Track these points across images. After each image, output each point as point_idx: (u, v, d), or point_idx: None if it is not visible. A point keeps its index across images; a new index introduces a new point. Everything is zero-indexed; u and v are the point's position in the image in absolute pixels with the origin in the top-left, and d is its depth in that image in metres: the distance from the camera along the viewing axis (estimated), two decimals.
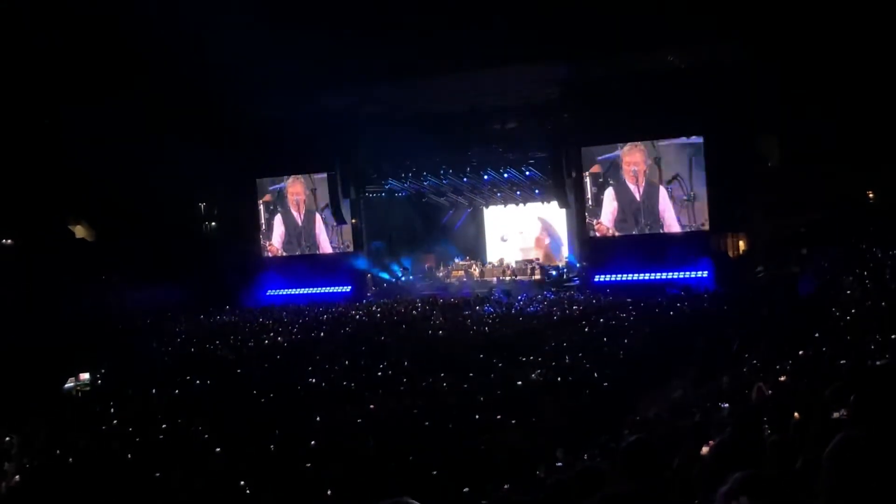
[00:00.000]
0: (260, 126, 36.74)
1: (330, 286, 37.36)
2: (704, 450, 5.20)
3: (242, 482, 12.02)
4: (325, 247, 39.11)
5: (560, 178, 33.23)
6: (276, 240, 39.99)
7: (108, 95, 32.54)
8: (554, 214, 39.11)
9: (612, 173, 33.35)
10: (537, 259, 39.14)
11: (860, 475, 2.54)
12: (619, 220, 33.39)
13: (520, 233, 41.31)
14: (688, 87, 30.49)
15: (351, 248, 38.46)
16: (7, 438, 16.06)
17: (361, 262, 38.15)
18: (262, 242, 40.17)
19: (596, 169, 33.59)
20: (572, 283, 34.14)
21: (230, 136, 36.57)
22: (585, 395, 16.24)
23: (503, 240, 41.36)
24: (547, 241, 40.86)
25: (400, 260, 39.40)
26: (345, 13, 29.91)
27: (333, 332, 26.96)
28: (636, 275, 31.99)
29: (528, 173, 35.87)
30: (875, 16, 26.89)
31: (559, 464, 11.18)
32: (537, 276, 36.50)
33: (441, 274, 39.30)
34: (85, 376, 23.70)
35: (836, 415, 4.61)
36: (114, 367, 24.56)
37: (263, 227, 40.13)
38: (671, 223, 32.51)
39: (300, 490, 11.66)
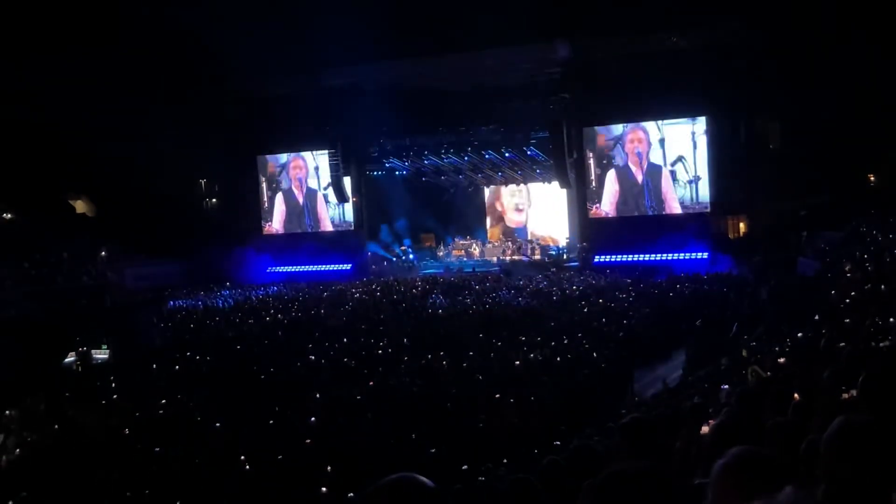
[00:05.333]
0: (262, 103, 36.66)
1: (330, 264, 37.37)
2: (704, 429, 5.21)
3: (242, 457, 12.07)
4: (327, 225, 39.14)
5: (561, 159, 33.11)
6: (277, 217, 39.99)
7: (110, 71, 32.43)
8: (555, 194, 38.98)
9: (616, 155, 33.31)
10: (537, 238, 39.10)
11: (860, 459, 2.54)
12: (621, 203, 33.36)
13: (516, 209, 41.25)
14: (690, 68, 30.37)
15: (352, 227, 38.47)
16: (7, 412, 16.11)
17: (361, 241, 38.18)
18: (263, 220, 40.16)
19: (600, 146, 33.55)
20: (571, 265, 34.07)
21: (232, 112, 36.49)
22: (584, 375, 16.27)
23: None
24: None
25: (401, 240, 39.30)
26: None
27: (333, 309, 26.98)
28: (636, 256, 31.97)
29: (529, 153, 35.78)
30: None
31: (557, 443, 11.23)
32: (537, 256, 36.48)
33: (441, 253, 39.27)
34: (83, 351, 23.76)
35: (845, 396, 4.62)
36: (113, 342, 24.60)
37: (266, 204, 40.13)
38: (673, 205, 32.47)
39: (300, 466, 11.70)
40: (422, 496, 2.08)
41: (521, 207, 41.42)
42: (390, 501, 2.06)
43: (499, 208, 41.91)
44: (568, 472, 4.65)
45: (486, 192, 42.24)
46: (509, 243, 38.81)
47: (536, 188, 39.99)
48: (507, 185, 40.83)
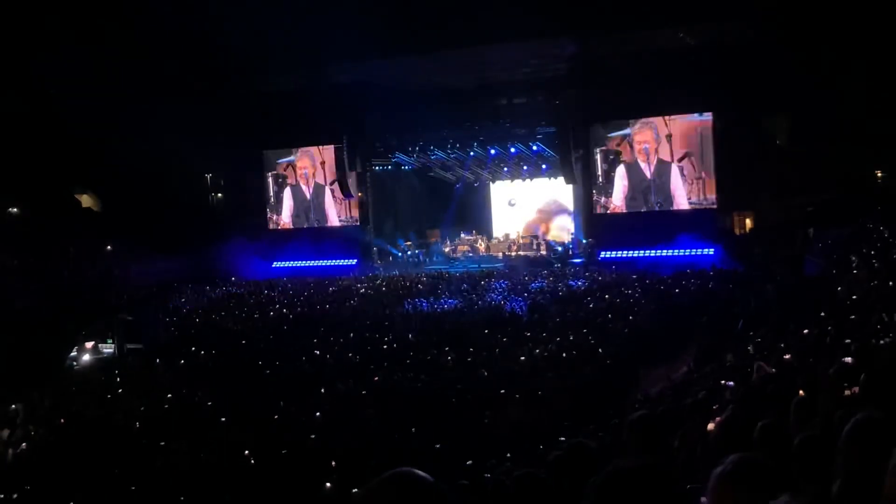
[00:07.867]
0: (268, 98, 36.64)
1: (336, 259, 37.36)
2: (710, 426, 5.19)
3: (247, 452, 12.08)
4: (334, 220, 39.12)
5: (567, 154, 33.06)
6: (285, 213, 39.95)
7: (116, 66, 32.44)
8: (561, 190, 38.85)
9: (623, 151, 33.24)
10: (543, 234, 38.99)
11: (878, 454, 2.52)
12: (630, 199, 33.30)
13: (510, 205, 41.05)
14: (697, 64, 30.27)
15: (357, 222, 38.46)
16: (13, 406, 16.17)
17: (367, 237, 38.16)
18: (269, 215, 40.16)
19: (607, 142, 33.49)
20: (576, 261, 33.93)
21: (238, 107, 36.47)
22: (589, 371, 16.25)
23: (511, 204, 41.13)
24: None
25: (406, 235, 39.21)
26: None
27: (339, 305, 26.98)
28: (641, 252, 31.89)
29: (535, 149, 35.74)
30: None
31: (562, 438, 11.21)
32: (543, 252, 36.39)
33: (447, 248, 39.17)
34: (89, 346, 23.84)
35: (847, 392, 4.60)
36: (119, 337, 24.67)
37: (272, 199, 40.11)
38: (681, 201, 32.40)
39: (304, 461, 11.71)
40: (420, 491, 2.07)
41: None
42: (389, 496, 2.05)
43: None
44: (563, 469, 4.63)
45: (491, 188, 42.11)
46: (516, 239, 38.68)
47: (541, 184, 39.86)
48: (512, 181, 40.71)
